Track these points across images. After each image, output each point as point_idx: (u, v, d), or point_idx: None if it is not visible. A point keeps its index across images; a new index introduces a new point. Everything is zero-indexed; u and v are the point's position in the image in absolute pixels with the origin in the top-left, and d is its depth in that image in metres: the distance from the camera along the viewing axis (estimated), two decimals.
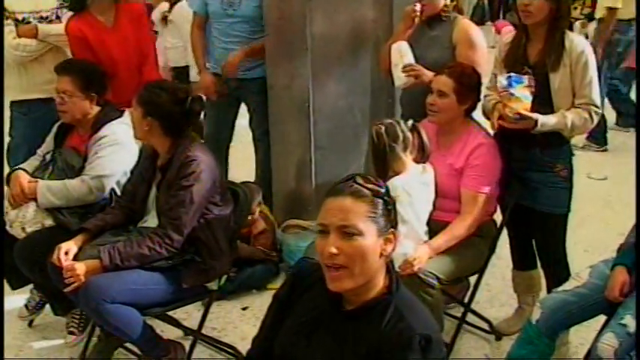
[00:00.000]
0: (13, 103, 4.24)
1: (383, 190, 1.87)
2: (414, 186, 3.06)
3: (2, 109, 3.55)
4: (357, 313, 1.88)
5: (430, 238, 3.15)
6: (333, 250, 1.79)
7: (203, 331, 3.32)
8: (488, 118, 3.33)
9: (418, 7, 3.57)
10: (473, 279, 3.41)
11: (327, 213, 1.83)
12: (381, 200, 1.85)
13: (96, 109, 3.52)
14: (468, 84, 3.22)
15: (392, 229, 1.87)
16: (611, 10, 6.29)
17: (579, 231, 4.75)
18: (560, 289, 2.94)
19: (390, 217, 1.87)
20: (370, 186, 1.85)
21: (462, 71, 3.25)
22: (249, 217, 3.91)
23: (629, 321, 2.63)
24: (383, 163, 3.07)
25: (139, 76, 3.97)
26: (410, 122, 3.13)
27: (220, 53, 4.43)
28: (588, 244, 4.60)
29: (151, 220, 3.14)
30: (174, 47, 6.35)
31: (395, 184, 3.02)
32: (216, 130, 4.55)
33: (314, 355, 1.91)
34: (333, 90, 4.13)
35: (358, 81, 4.17)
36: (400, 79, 3.51)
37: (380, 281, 1.88)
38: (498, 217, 3.42)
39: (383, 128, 3.05)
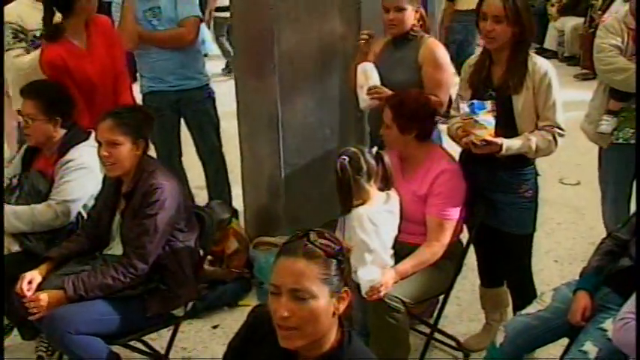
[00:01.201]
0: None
1: (337, 248, 1.86)
2: (379, 215, 3.08)
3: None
4: None
5: (396, 259, 3.17)
6: (285, 313, 1.79)
7: (173, 351, 3.32)
8: (455, 141, 3.34)
9: (365, 34, 3.60)
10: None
11: (280, 274, 1.83)
12: (334, 260, 1.85)
13: (61, 131, 3.49)
14: (407, 114, 3.17)
15: (345, 288, 1.87)
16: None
17: (550, 240, 4.80)
18: (523, 312, 2.96)
19: (344, 275, 1.87)
20: (324, 243, 1.84)
21: (401, 101, 3.21)
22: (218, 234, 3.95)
23: (590, 348, 2.66)
24: (348, 195, 3.06)
25: (114, 98, 3.95)
26: (374, 150, 3.14)
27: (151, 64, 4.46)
28: (558, 254, 4.64)
29: (116, 247, 3.14)
30: None
31: (360, 212, 3.04)
32: (167, 149, 4.56)
33: None
34: (301, 106, 4.12)
35: (327, 96, 4.17)
36: (365, 101, 3.52)
37: (332, 337, 1.88)
38: (464, 235, 3.44)
39: (347, 160, 3.03)
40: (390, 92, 3.42)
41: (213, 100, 4.56)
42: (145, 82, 4.55)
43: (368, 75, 3.49)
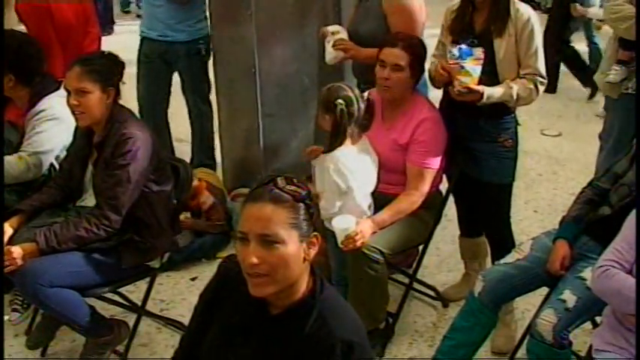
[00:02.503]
0: None
1: (304, 193, 1.81)
2: (357, 157, 3.05)
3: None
4: (282, 318, 1.85)
5: (375, 209, 3.14)
6: (254, 260, 1.74)
7: (150, 303, 3.29)
8: (435, 86, 3.29)
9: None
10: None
11: (247, 220, 1.77)
12: (302, 204, 1.79)
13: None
14: (419, 55, 3.16)
15: (314, 233, 1.83)
16: None
17: (530, 191, 4.80)
18: (502, 261, 2.95)
19: (312, 220, 1.82)
20: (291, 189, 1.79)
21: (413, 42, 3.16)
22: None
23: (568, 296, 2.65)
24: (338, 138, 3.02)
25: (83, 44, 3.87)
26: (366, 95, 3.09)
27: (147, 13, 4.41)
28: (538, 205, 4.64)
29: (90, 199, 3.07)
30: None
31: (336, 155, 3.00)
32: (152, 98, 4.49)
33: (240, 359, 1.88)
34: (279, 55, 4.04)
35: (305, 45, 4.08)
36: (330, 53, 3.50)
37: (303, 284, 1.84)
38: (444, 185, 3.41)
39: (344, 105, 2.99)
40: (354, 46, 3.38)
41: (203, 57, 4.41)
42: (141, 27, 4.48)
43: (335, 29, 3.47)
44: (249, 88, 4.06)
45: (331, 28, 3.50)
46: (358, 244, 2.94)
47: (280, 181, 1.80)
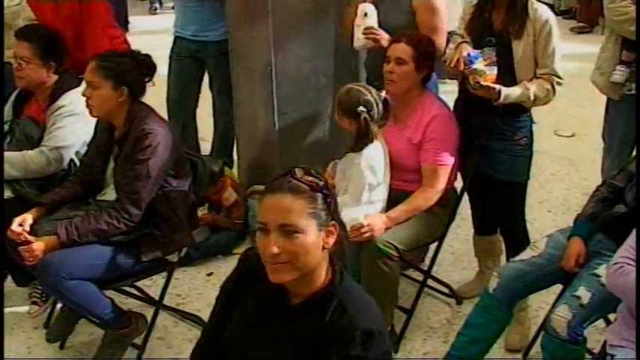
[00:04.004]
0: None
1: (321, 183, 1.85)
2: (381, 153, 3.13)
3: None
4: (302, 307, 1.88)
5: (390, 206, 3.16)
6: (275, 249, 1.78)
7: (167, 298, 3.33)
8: (450, 77, 3.33)
9: None
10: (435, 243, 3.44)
11: (267, 211, 1.81)
12: (320, 194, 1.83)
13: (54, 77, 3.46)
14: (425, 51, 3.19)
15: (332, 221, 1.86)
16: None
17: (544, 190, 4.81)
18: (517, 258, 2.97)
19: (330, 209, 1.86)
20: (308, 179, 1.83)
21: (419, 38, 3.23)
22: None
23: (583, 293, 2.68)
24: (364, 139, 3.08)
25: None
26: (383, 95, 3.12)
27: (180, 13, 4.43)
28: (552, 204, 4.65)
29: (110, 193, 3.12)
30: None
31: (366, 152, 3.08)
32: (180, 95, 4.53)
33: (260, 348, 1.92)
34: (295, 53, 4.07)
35: (321, 44, 4.11)
36: (359, 40, 3.46)
37: (322, 273, 1.88)
38: (459, 183, 3.44)
39: (366, 111, 3.04)
40: (385, 35, 3.37)
41: None
42: (174, 26, 4.54)
43: (368, 15, 3.43)
44: (265, 86, 4.09)
45: (362, 9, 3.45)
46: (365, 236, 2.98)
47: (298, 172, 1.85)
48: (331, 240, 1.86)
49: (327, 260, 1.89)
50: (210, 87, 4.65)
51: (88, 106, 3.03)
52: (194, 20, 4.39)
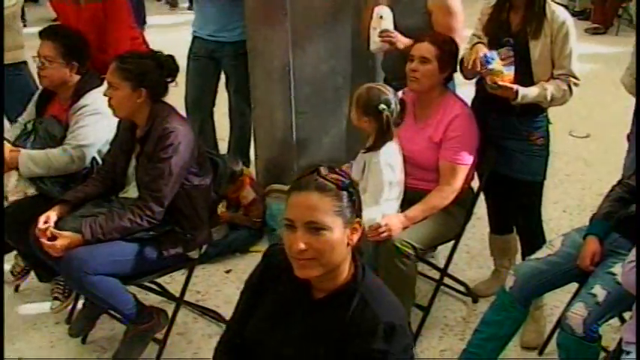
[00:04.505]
0: None
1: (347, 181, 1.90)
2: (398, 152, 3.17)
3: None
4: (325, 302, 1.93)
5: (409, 205, 3.20)
6: (302, 246, 1.83)
7: (187, 294, 3.37)
8: (466, 77, 3.36)
9: None
10: (450, 242, 3.45)
11: (294, 208, 1.86)
12: (345, 192, 1.88)
13: (76, 77, 3.51)
14: (449, 51, 3.24)
15: (357, 219, 1.91)
16: None
17: (559, 190, 4.83)
18: (533, 257, 3.00)
19: (355, 207, 1.91)
20: (334, 177, 1.88)
21: (443, 38, 3.27)
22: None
23: (599, 291, 2.71)
24: (384, 138, 3.11)
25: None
26: (400, 94, 3.16)
27: (199, 13, 4.51)
28: (567, 204, 4.68)
29: (132, 190, 3.18)
30: None
31: (385, 150, 3.11)
32: (198, 95, 4.59)
33: (284, 342, 1.96)
34: (313, 54, 4.11)
35: (339, 44, 4.15)
36: (375, 43, 3.51)
37: (346, 269, 1.93)
38: (475, 183, 3.47)
39: (386, 109, 3.07)
40: (402, 38, 3.41)
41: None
42: (192, 26, 4.59)
43: (383, 18, 3.46)
44: (283, 86, 4.14)
45: (378, 12, 3.48)
46: (383, 236, 3.02)
47: (323, 170, 1.89)
48: (355, 237, 1.91)
49: (351, 256, 1.93)
50: (227, 87, 4.70)
51: (110, 106, 3.09)
52: (212, 20, 4.44)
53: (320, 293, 1.94)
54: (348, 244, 1.89)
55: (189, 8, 10.02)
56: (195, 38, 4.59)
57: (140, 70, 3.04)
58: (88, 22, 3.85)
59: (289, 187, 1.93)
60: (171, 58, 3.17)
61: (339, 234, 1.85)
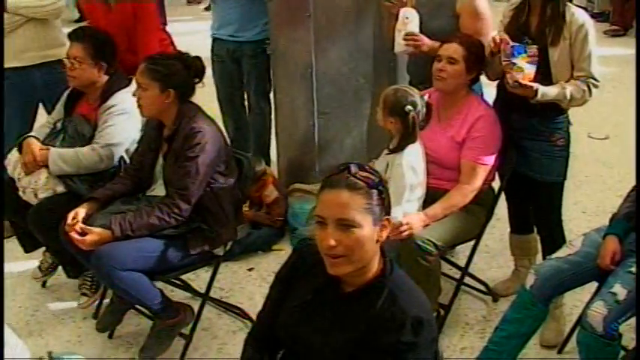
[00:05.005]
0: None
1: (377, 180, 1.95)
2: (421, 154, 3.21)
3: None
4: (355, 296, 1.99)
5: (430, 204, 3.24)
6: (332, 242, 1.89)
7: (211, 292, 3.44)
8: (489, 78, 3.42)
9: None
10: (470, 242, 3.50)
11: (325, 206, 1.92)
12: (375, 190, 1.94)
13: (104, 77, 3.60)
14: (476, 53, 3.28)
15: (386, 216, 1.97)
16: None
17: (578, 192, 4.86)
18: (553, 256, 3.04)
19: (384, 205, 1.97)
20: (364, 176, 1.93)
21: (472, 41, 3.31)
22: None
23: (619, 289, 2.74)
24: (409, 139, 3.15)
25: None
26: (426, 98, 3.20)
27: (217, 14, 4.58)
28: (586, 206, 4.70)
29: (159, 189, 3.25)
30: None
31: (408, 152, 3.15)
32: (229, 92, 4.68)
33: (314, 333, 2.02)
34: (335, 55, 4.17)
35: (361, 46, 4.21)
36: (400, 45, 3.53)
37: (375, 265, 1.99)
38: (496, 183, 3.52)
39: (413, 110, 3.11)
40: (427, 41, 3.46)
41: (268, 56, 4.48)
42: (211, 28, 4.66)
43: (409, 20, 3.49)
44: (305, 87, 4.21)
45: (403, 14, 3.50)
46: (404, 234, 3.06)
47: (354, 168, 1.95)
48: (385, 234, 1.97)
49: (379, 252, 1.99)
50: (246, 87, 4.74)
51: (139, 106, 3.17)
52: (230, 21, 4.49)
53: (349, 287, 2.00)
54: (377, 241, 1.95)
55: (207, 9, 10.12)
56: (215, 40, 4.65)
57: (169, 71, 3.11)
58: (118, 23, 3.93)
59: (321, 185, 1.98)
60: (198, 59, 3.24)
61: (368, 231, 1.91)
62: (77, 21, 7.99)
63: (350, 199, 1.90)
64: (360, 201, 1.91)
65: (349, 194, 1.90)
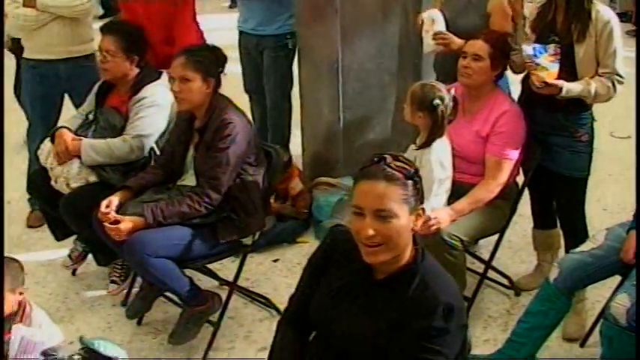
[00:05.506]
0: (23, 58, 4.43)
1: (412, 170, 2.01)
2: (449, 149, 3.26)
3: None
4: (387, 282, 2.05)
5: (455, 198, 3.29)
6: (371, 232, 1.94)
7: (237, 282, 3.51)
8: (514, 71, 3.46)
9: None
10: (495, 237, 3.54)
11: (363, 196, 1.97)
12: (411, 181, 1.99)
13: (135, 70, 3.67)
14: (502, 49, 3.33)
15: (421, 206, 2.02)
16: None
17: (600, 189, 4.87)
18: (577, 250, 3.08)
19: (419, 195, 2.02)
20: (401, 166, 1.99)
21: (497, 37, 3.36)
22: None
23: None
24: (437, 133, 3.19)
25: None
26: (452, 93, 3.24)
27: (243, 8, 4.66)
28: (608, 203, 4.73)
29: (189, 179, 3.32)
30: None
31: (436, 147, 3.19)
32: (255, 85, 4.73)
33: (347, 319, 2.08)
34: (361, 51, 4.23)
35: (386, 42, 4.26)
36: (429, 46, 3.61)
37: (408, 252, 2.04)
38: (520, 178, 3.56)
39: (441, 103, 3.15)
40: (456, 39, 3.50)
41: (289, 52, 4.55)
42: (238, 21, 4.73)
43: (434, 21, 3.56)
44: (331, 82, 4.26)
45: (428, 15, 3.59)
46: (432, 229, 3.10)
47: (389, 159, 2.00)
48: (419, 223, 2.02)
49: (412, 240, 2.05)
50: (265, 82, 4.75)
51: (179, 99, 3.23)
52: (255, 14, 4.55)
53: (381, 274, 2.06)
54: (412, 230, 2.01)
55: (231, 6, 10.19)
56: (241, 33, 4.71)
57: (208, 61, 3.20)
58: (157, 13, 4.00)
59: (356, 175, 2.03)
60: (220, 49, 3.32)
61: (405, 221, 1.97)
62: (101, 17, 8.10)
63: (387, 190, 1.95)
64: (397, 192, 1.96)
65: (386, 185, 1.95)
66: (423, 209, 2.04)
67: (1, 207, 3.07)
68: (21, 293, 2.66)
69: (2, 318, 2.63)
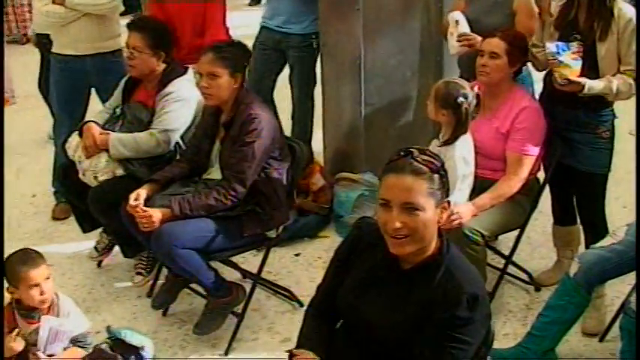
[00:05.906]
0: (52, 53, 4.50)
1: (439, 164, 2.05)
2: (471, 146, 3.30)
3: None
4: (413, 273, 2.10)
5: (476, 194, 3.33)
6: (398, 224, 2.00)
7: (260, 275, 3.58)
8: (537, 69, 3.51)
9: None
10: (515, 233, 3.58)
11: (390, 190, 2.02)
12: (437, 175, 2.04)
13: (162, 66, 3.74)
14: (519, 46, 3.37)
15: (447, 199, 2.07)
16: None
17: (620, 187, 4.86)
18: (597, 245, 3.11)
19: (445, 188, 2.07)
20: (427, 160, 2.03)
21: (514, 34, 3.40)
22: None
23: None
24: (460, 129, 3.23)
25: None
26: (475, 90, 3.28)
27: (270, 4, 4.70)
28: (627, 201, 4.73)
29: (215, 173, 3.39)
30: None
31: (459, 144, 3.23)
32: (257, 78, 4.71)
33: (373, 308, 2.13)
34: (383, 48, 4.27)
35: (408, 40, 4.29)
36: (454, 47, 3.66)
37: (433, 243, 2.09)
38: (541, 174, 3.59)
39: (466, 100, 3.19)
40: (479, 38, 3.53)
41: (314, 51, 4.59)
42: (262, 16, 4.77)
43: (458, 22, 3.61)
44: (353, 79, 4.31)
45: (452, 17, 3.64)
46: (454, 224, 3.14)
47: (416, 152, 2.05)
48: (445, 215, 2.08)
49: (437, 232, 2.10)
50: (290, 81, 4.82)
51: (205, 95, 3.29)
52: (282, 11, 4.59)
53: (407, 265, 2.11)
54: (438, 222, 2.06)
55: (251, 4, 10.26)
56: (262, 28, 4.74)
57: (236, 56, 3.26)
58: (190, 5, 4.09)
59: (384, 169, 2.08)
60: (244, 45, 3.40)
61: (431, 213, 2.02)
62: (122, 14, 8.16)
63: (414, 184, 2.00)
64: (424, 185, 2.00)
65: (414, 179, 2.00)
66: (449, 202, 2.09)
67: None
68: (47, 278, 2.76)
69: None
